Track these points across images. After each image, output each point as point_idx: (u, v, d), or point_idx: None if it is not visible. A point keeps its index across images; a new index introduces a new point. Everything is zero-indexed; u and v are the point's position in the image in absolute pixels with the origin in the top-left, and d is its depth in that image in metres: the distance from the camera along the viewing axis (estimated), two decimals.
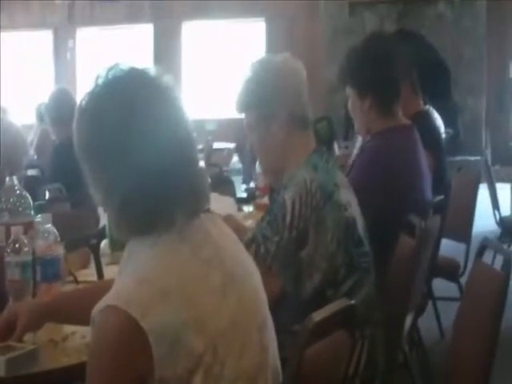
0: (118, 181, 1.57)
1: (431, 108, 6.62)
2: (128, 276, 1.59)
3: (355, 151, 4.69)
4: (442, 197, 3.56)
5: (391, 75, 3.26)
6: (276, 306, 1.79)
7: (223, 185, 4.36)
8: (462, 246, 4.36)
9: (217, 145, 8.23)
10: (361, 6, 11.72)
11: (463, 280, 3.83)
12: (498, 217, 5.70)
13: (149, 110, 1.59)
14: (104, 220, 3.16)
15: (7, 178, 2.42)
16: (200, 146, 5.66)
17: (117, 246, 3.05)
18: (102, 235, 2.68)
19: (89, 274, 2.65)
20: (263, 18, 12.18)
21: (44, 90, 7.35)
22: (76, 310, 1.96)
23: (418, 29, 11.52)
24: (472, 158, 10.23)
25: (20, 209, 2.39)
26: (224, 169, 4.93)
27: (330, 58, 11.00)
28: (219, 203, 2.98)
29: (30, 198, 2.46)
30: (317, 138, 3.48)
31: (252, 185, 4.86)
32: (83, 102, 1.62)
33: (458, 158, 9.80)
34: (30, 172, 5.13)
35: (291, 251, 2.45)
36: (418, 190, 3.29)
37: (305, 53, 11.03)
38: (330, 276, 2.48)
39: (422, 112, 4.30)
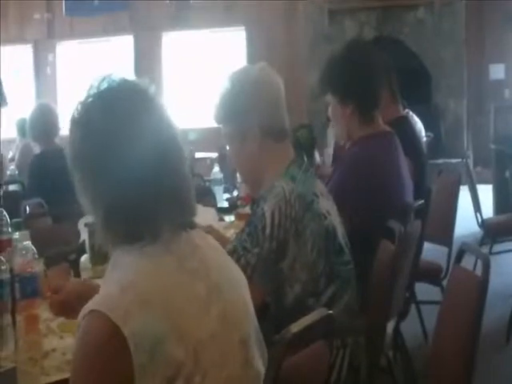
0: (103, 191, 1.61)
1: (411, 112, 6.65)
2: (112, 283, 1.60)
3: (327, 160, 4.71)
4: (422, 201, 3.56)
5: (371, 82, 3.28)
6: (258, 316, 1.80)
7: (204, 195, 4.36)
8: (444, 250, 4.37)
9: (198, 154, 8.23)
10: (340, 12, 11.75)
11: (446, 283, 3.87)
12: (480, 219, 5.71)
13: (137, 123, 1.62)
14: (84, 235, 3.16)
15: None
16: None
17: (98, 261, 3.05)
18: (81, 250, 2.68)
19: None
20: (243, 27, 12.20)
21: (25, 105, 7.34)
22: None
23: (398, 34, 11.57)
24: (454, 161, 10.27)
25: None
26: (205, 178, 4.93)
27: (310, 64, 11.03)
28: (201, 214, 2.98)
29: (7, 215, 2.45)
30: (297, 145, 3.49)
31: (234, 194, 4.87)
32: (75, 112, 1.65)
33: (440, 161, 9.84)
34: (11, 187, 5.12)
35: (272, 262, 2.44)
36: (399, 195, 3.30)
37: (285, 60, 11.08)
38: (310, 285, 2.48)
39: (401, 118, 4.31)
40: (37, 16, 12.21)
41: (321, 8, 11.75)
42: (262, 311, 2.46)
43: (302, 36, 11.88)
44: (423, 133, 7.00)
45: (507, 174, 7.16)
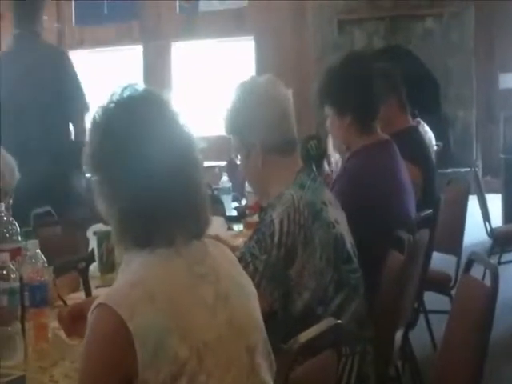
0: (119, 196, 1.65)
1: (422, 122, 6.65)
2: (122, 280, 1.65)
3: (335, 168, 4.71)
4: (430, 211, 3.56)
5: (368, 93, 3.28)
6: (265, 324, 1.81)
7: (213, 203, 4.36)
8: (453, 259, 4.36)
9: (207, 163, 8.23)
10: (349, 22, 11.77)
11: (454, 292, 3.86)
12: (488, 228, 5.70)
13: (155, 132, 1.66)
14: (93, 243, 3.17)
15: None
16: None
17: (106, 269, 3.07)
18: (90, 259, 2.68)
19: (78, 298, 2.64)
20: (252, 37, 12.22)
21: None
22: None
23: (407, 44, 11.57)
24: (463, 170, 10.26)
25: (7, 235, 2.40)
26: (214, 187, 4.93)
27: (319, 74, 11.02)
28: None
29: (16, 224, 2.46)
30: (307, 157, 3.49)
31: (243, 203, 4.87)
32: (96, 116, 1.70)
33: (449, 170, 9.82)
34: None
35: (280, 269, 2.45)
36: (402, 204, 3.30)
37: (294, 70, 11.09)
38: (319, 293, 2.48)
39: (411, 128, 4.31)
40: (47, 26, 12.28)
41: (330, 18, 11.77)
42: (269, 318, 2.47)
43: (311, 46, 11.90)
44: (433, 142, 7.01)
45: None
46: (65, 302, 2.58)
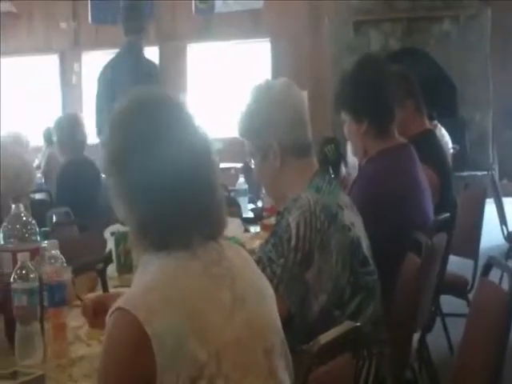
0: (137, 198, 1.65)
1: (439, 125, 6.62)
2: (139, 284, 1.66)
3: (352, 171, 4.69)
4: (447, 214, 3.55)
5: (384, 96, 3.27)
6: (283, 327, 1.81)
7: (230, 206, 4.37)
8: (470, 263, 4.35)
9: (223, 164, 8.23)
10: (365, 24, 11.75)
11: (472, 296, 3.84)
12: (505, 232, 5.68)
13: (173, 134, 1.67)
14: (110, 244, 3.19)
15: (13, 206, 2.44)
16: None
17: (124, 270, 3.07)
18: (108, 259, 2.70)
19: None
20: (268, 39, 12.22)
21: (51, 114, 7.39)
22: None
23: (423, 46, 11.54)
24: (479, 173, 10.22)
25: (26, 235, 2.40)
26: (230, 188, 4.94)
27: (335, 76, 11.02)
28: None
29: (36, 224, 2.47)
30: (324, 160, 3.48)
31: (259, 205, 4.88)
32: (113, 118, 1.71)
33: (466, 174, 9.79)
34: (38, 196, 5.16)
35: (297, 273, 2.45)
36: (419, 207, 3.30)
37: (310, 72, 11.09)
38: (336, 296, 2.48)
39: (427, 131, 4.29)
40: (63, 25, 12.31)
41: (346, 19, 11.76)
42: (287, 322, 2.47)
43: (327, 47, 11.89)
44: (450, 145, 6.98)
45: None
46: (81, 305, 2.59)
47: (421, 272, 2.82)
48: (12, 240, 2.40)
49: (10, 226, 2.41)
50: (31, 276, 2.18)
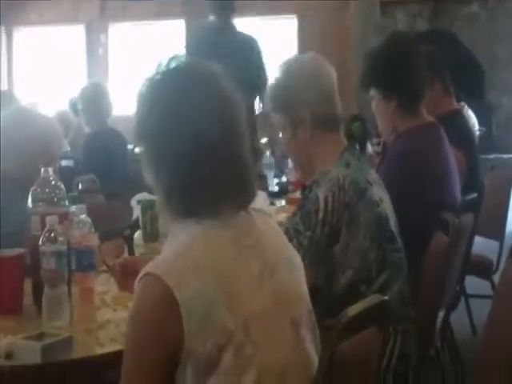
0: (166, 166, 1.65)
1: (466, 106, 6.56)
2: (169, 250, 1.66)
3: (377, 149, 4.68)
4: (475, 195, 3.53)
5: (414, 74, 3.24)
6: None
7: (257, 178, 4.36)
8: (495, 244, 4.33)
9: None
10: (392, 4, 11.65)
11: (496, 277, 3.83)
12: None
13: (202, 102, 1.66)
14: (136, 212, 3.19)
15: (42, 170, 2.44)
16: None
17: (150, 238, 3.08)
18: (135, 227, 2.70)
19: None
20: (294, 16, 12.15)
21: (77, 84, 7.41)
22: None
23: (451, 28, 11.44)
24: (505, 156, 10.14)
25: (55, 199, 2.40)
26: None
27: (361, 56, 10.93)
28: None
29: (64, 189, 2.47)
30: (350, 137, 3.46)
31: (284, 179, 4.87)
32: (143, 87, 1.70)
33: (492, 156, 9.71)
34: (64, 163, 5.19)
35: (323, 247, 2.44)
36: (447, 186, 3.28)
37: (336, 50, 11.01)
38: (362, 272, 2.47)
39: (455, 111, 4.27)
40: None
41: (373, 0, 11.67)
42: (312, 295, 2.47)
43: (354, 27, 11.81)
44: (476, 127, 6.92)
45: None
46: (109, 268, 2.60)
47: (448, 251, 2.81)
48: (41, 204, 2.40)
49: (39, 190, 2.41)
50: (60, 239, 2.18)
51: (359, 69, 3.40)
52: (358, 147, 3.88)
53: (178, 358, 1.56)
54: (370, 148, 4.90)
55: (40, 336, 1.92)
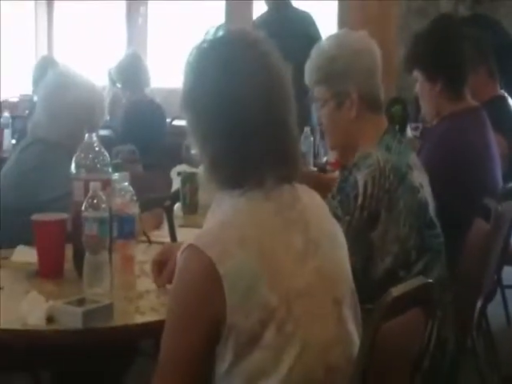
0: (211, 136, 1.65)
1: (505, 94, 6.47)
2: (212, 222, 1.66)
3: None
4: None
5: (460, 57, 3.21)
6: None
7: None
8: None
9: None
10: None
11: None
12: None
13: (246, 71, 1.65)
14: (176, 184, 3.18)
15: (86, 135, 2.43)
16: None
17: (189, 210, 3.07)
18: (175, 198, 2.69)
19: (161, 235, 2.67)
20: None
21: (116, 54, 7.41)
22: None
23: (494, 14, 11.28)
24: None
25: (98, 166, 2.39)
26: None
27: (402, 38, 10.83)
28: None
29: (108, 156, 2.46)
30: (391, 120, 3.42)
31: (323, 159, 4.83)
32: (189, 57, 1.70)
33: None
34: (103, 132, 5.20)
35: (362, 231, 2.42)
36: (489, 172, 3.25)
37: (377, 32, 10.85)
38: (401, 258, 2.45)
39: (499, 96, 4.21)
40: None
41: None
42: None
43: (396, 9, 11.69)
44: None
45: None
46: (148, 238, 2.60)
47: (489, 237, 2.77)
48: (83, 170, 2.39)
49: (82, 156, 2.40)
50: (102, 206, 2.18)
51: (400, 52, 3.36)
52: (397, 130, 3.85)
53: (220, 331, 1.56)
54: (409, 131, 4.85)
55: (81, 301, 1.93)
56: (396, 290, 1.76)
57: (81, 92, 2.93)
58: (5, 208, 2.85)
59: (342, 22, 11.85)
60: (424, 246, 2.48)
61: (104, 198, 2.20)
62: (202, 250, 1.54)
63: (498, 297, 4.22)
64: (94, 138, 2.45)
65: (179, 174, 3.15)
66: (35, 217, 2.32)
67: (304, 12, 5.92)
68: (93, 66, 9.14)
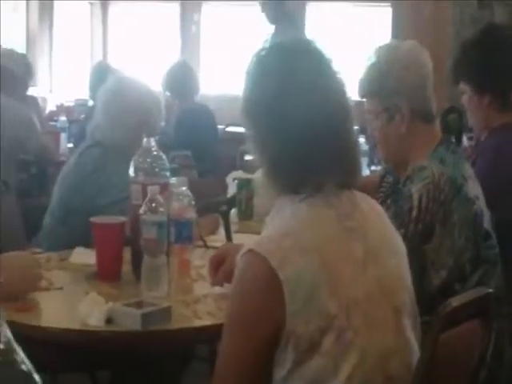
0: (271, 142, 1.65)
1: None
2: (272, 228, 1.66)
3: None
4: None
5: (509, 68, 3.13)
6: None
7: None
8: None
9: None
10: None
11: None
12: None
13: (306, 79, 1.65)
14: (232, 190, 3.19)
15: (144, 139, 2.45)
16: None
17: (244, 216, 3.08)
18: (232, 203, 2.70)
19: (218, 240, 2.67)
20: (389, 3, 12.00)
21: (169, 61, 7.48)
22: None
23: None
24: None
25: (156, 169, 2.41)
26: None
27: (455, 48, 10.76)
28: None
29: (166, 160, 2.48)
30: (446, 129, 3.38)
31: (373, 168, 4.80)
32: (250, 64, 1.71)
33: None
34: (157, 137, 5.26)
35: (416, 245, 2.40)
36: None
37: (430, 41, 10.81)
38: (456, 271, 2.42)
39: None
40: None
41: None
42: None
43: (449, 18, 11.60)
44: None
45: None
46: (205, 243, 2.61)
47: None
48: (141, 173, 2.41)
49: (140, 160, 2.43)
50: (160, 209, 2.20)
51: (453, 58, 3.30)
52: (453, 140, 3.81)
53: (280, 337, 1.56)
54: (465, 141, 4.80)
55: (139, 304, 1.95)
56: (455, 300, 1.75)
57: (139, 97, 2.97)
58: (64, 210, 2.89)
59: (395, 29, 11.82)
60: (480, 257, 2.45)
61: (162, 201, 2.22)
62: (263, 255, 1.54)
63: None
64: (153, 143, 2.47)
65: (235, 179, 3.16)
66: (94, 219, 2.35)
67: None
68: (146, 72, 9.24)
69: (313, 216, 1.63)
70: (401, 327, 1.68)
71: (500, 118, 3.14)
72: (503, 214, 2.75)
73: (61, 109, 7.60)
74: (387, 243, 1.74)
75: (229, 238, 2.60)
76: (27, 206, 3.87)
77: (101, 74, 5.03)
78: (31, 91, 6.14)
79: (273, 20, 6.16)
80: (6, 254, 2.11)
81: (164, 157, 2.48)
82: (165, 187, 2.35)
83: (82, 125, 5.25)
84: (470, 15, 11.34)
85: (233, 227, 2.82)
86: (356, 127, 1.69)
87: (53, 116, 7.01)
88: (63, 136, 5.70)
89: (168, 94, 5.69)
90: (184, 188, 2.39)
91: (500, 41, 3.18)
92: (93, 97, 5.51)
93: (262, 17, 6.24)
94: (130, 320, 1.88)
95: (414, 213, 2.38)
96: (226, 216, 2.61)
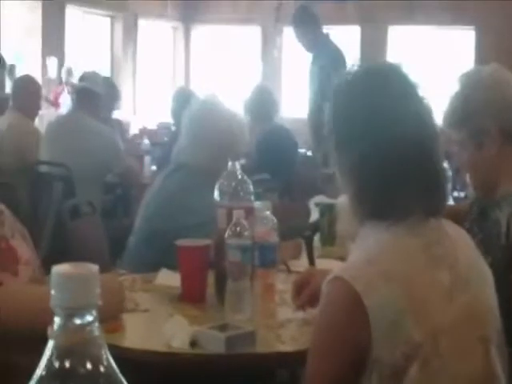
0: (356, 168, 1.64)
1: None
2: (357, 255, 1.65)
3: None
4: None
5: None
6: None
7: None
8: None
9: None
10: None
11: None
12: None
13: (398, 102, 1.63)
14: (314, 215, 3.19)
15: (229, 163, 2.47)
16: None
17: (327, 242, 3.07)
18: (316, 228, 2.69)
19: (301, 265, 2.66)
20: (472, 27, 11.86)
21: (251, 85, 7.55)
22: None
23: None
24: None
25: (241, 193, 2.43)
26: None
27: None
28: None
29: (251, 184, 2.49)
30: None
31: (455, 194, 4.75)
32: (337, 88, 1.70)
33: None
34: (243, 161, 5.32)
35: (504, 273, 2.34)
36: None
37: None
38: None
39: None
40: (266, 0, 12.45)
41: None
42: None
43: None
44: None
45: None
46: (288, 267, 2.61)
47: None
48: (226, 197, 2.43)
49: (225, 183, 2.45)
50: (245, 233, 2.21)
51: None
52: None
53: (365, 364, 1.54)
54: None
55: (224, 327, 1.95)
56: None
57: (224, 120, 2.99)
58: (149, 231, 2.93)
59: (479, 54, 11.68)
60: None
61: (247, 226, 2.23)
62: (349, 281, 1.53)
63: None
64: (238, 166, 2.49)
65: (317, 204, 3.16)
66: (180, 242, 2.37)
67: None
68: (228, 95, 9.34)
69: (398, 244, 1.61)
70: (488, 356, 1.65)
71: None
72: None
73: (144, 132, 7.73)
74: (476, 271, 1.71)
75: (311, 262, 2.59)
76: (111, 227, 3.94)
77: (182, 99, 5.11)
78: (115, 114, 6.26)
79: (309, 48, 6.21)
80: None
81: (248, 181, 2.49)
82: (250, 211, 2.36)
83: (165, 148, 5.32)
84: None
85: (315, 252, 2.82)
86: None
87: (136, 139, 7.14)
88: (147, 159, 5.79)
89: (248, 117, 5.75)
90: (268, 212, 2.39)
91: None
92: (176, 122, 5.60)
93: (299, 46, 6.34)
94: (214, 343, 1.89)
95: (503, 240, 2.34)
96: (309, 241, 2.61)
